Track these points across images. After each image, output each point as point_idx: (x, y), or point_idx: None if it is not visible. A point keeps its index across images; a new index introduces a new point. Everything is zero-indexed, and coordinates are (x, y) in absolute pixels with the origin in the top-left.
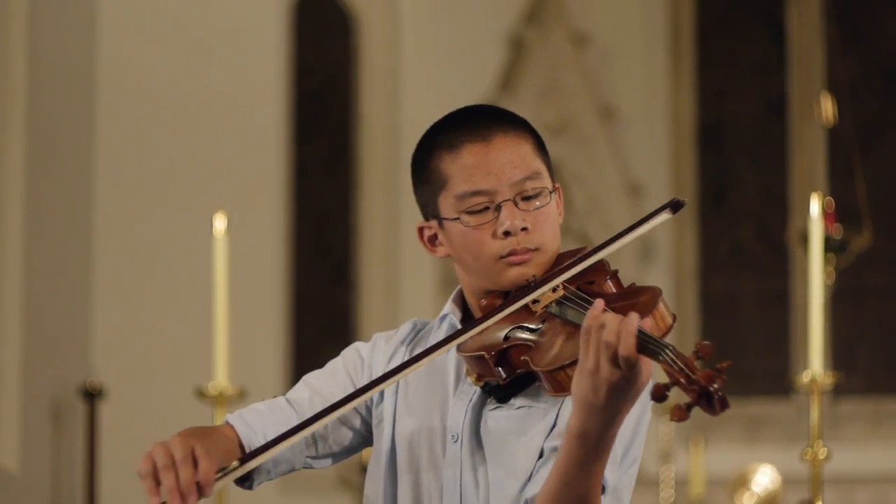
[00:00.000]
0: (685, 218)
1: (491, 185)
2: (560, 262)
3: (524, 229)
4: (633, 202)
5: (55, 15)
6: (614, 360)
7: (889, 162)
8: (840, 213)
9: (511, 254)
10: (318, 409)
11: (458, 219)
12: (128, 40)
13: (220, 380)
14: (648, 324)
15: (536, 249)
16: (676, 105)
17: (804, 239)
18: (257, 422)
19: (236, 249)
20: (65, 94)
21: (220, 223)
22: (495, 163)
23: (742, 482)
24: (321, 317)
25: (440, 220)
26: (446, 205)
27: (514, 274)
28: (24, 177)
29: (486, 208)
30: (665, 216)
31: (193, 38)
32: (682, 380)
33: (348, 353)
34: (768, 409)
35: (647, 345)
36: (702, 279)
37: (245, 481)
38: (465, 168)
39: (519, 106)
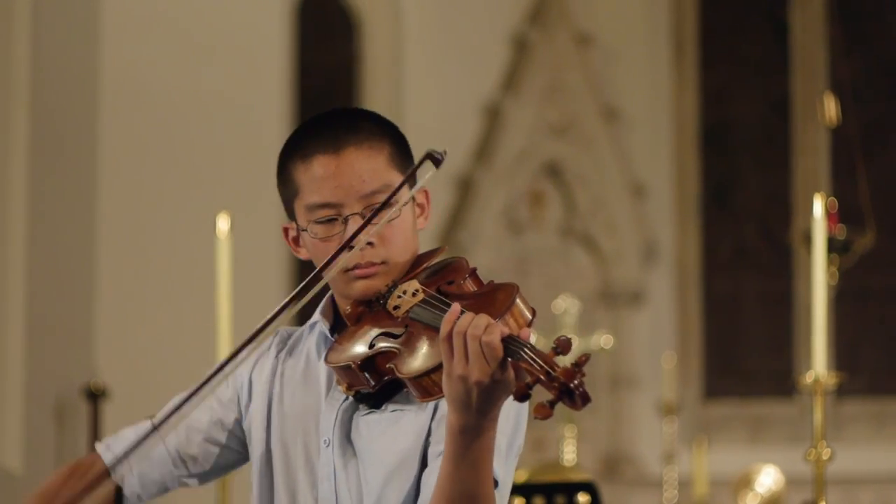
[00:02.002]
0: (688, 219)
1: (338, 198)
2: (419, 264)
3: (370, 244)
4: (636, 202)
5: (58, 15)
6: (480, 360)
7: (893, 162)
8: (843, 214)
9: (356, 267)
10: (181, 433)
11: (307, 229)
12: (131, 41)
13: None
14: (507, 327)
15: (383, 263)
16: (680, 105)
17: (807, 239)
18: (123, 448)
19: (239, 250)
20: (68, 95)
21: (223, 223)
22: (344, 176)
23: (745, 483)
24: None
25: (297, 225)
26: (300, 213)
27: (361, 286)
28: (27, 177)
29: (335, 220)
30: (430, 171)
31: (196, 38)
32: (543, 377)
33: (221, 387)
34: (772, 409)
35: (506, 344)
36: (705, 279)
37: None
38: (315, 179)
39: (522, 106)
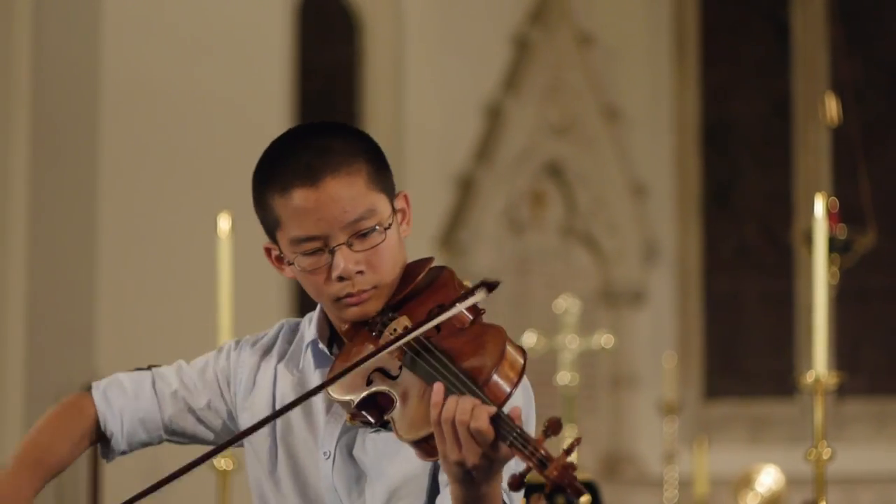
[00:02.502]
0: (689, 218)
1: (322, 231)
2: (408, 274)
3: (360, 272)
4: (637, 202)
5: (59, 15)
6: (472, 445)
7: (893, 162)
8: (844, 214)
9: (347, 296)
10: (179, 405)
11: (293, 262)
12: (132, 40)
13: None
14: (506, 384)
15: (374, 287)
16: (681, 105)
17: (808, 239)
18: (119, 403)
19: (240, 249)
20: (69, 94)
21: (224, 223)
22: (324, 208)
23: (746, 482)
24: None
25: (281, 251)
26: (283, 244)
27: (355, 312)
28: (28, 176)
29: (321, 251)
30: (481, 296)
31: (197, 38)
32: (535, 466)
33: (221, 355)
34: (772, 409)
35: (497, 427)
36: (706, 279)
37: (106, 453)
38: (296, 213)
39: (523, 105)
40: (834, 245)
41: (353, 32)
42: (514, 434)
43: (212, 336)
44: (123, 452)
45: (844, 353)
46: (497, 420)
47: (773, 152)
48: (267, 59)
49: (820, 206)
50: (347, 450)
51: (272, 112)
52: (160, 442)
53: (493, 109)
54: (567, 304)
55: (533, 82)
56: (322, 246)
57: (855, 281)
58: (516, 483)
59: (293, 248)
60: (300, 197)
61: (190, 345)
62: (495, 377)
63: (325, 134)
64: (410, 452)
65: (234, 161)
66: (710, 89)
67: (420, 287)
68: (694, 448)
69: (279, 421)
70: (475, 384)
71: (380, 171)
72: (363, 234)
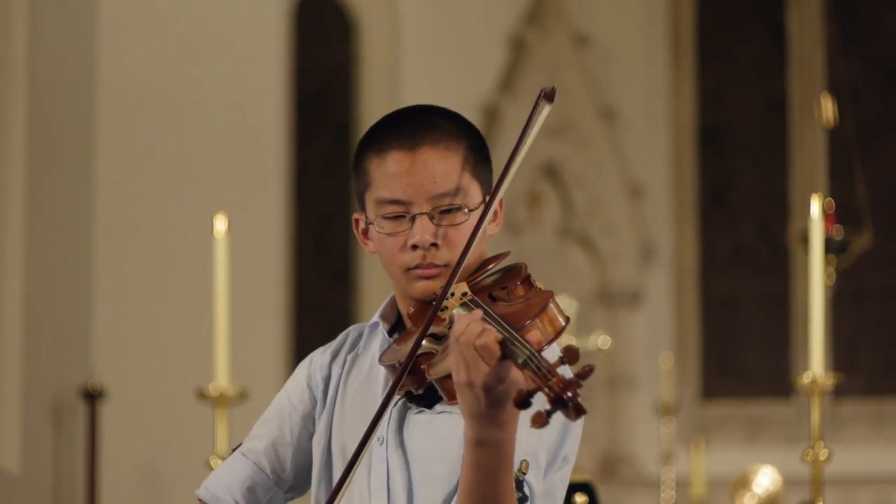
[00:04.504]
0: (686, 219)
1: (408, 196)
2: (484, 268)
3: (434, 245)
4: (633, 203)
5: (56, 16)
6: (479, 363)
7: (889, 162)
8: (840, 214)
9: (418, 267)
10: (273, 457)
11: (374, 223)
12: (128, 41)
13: (221, 381)
14: (540, 334)
15: (445, 265)
16: (677, 106)
17: (805, 239)
18: (221, 485)
19: (237, 250)
20: (65, 96)
21: (220, 224)
22: (416, 174)
23: (743, 483)
24: (321, 317)
25: (367, 217)
26: (370, 206)
27: (422, 287)
28: (24, 178)
29: (402, 217)
30: (546, 109)
31: (194, 39)
32: (543, 386)
33: (289, 384)
34: (769, 410)
35: (513, 349)
36: (702, 280)
37: None
38: (387, 175)
39: (520, 106)
40: (830, 246)
41: (349, 33)
42: (530, 355)
43: (208, 337)
44: None
45: (841, 353)
46: (510, 342)
47: (770, 153)
48: (263, 59)
49: (816, 206)
50: (397, 432)
51: (269, 113)
52: (285, 498)
53: (490, 110)
54: (564, 305)
55: (529, 83)
56: (404, 212)
57: (851, 281)
58: (521, 398)
59: (377, 210)
60: (395, 159)
61: (186, 346)
62: (531, 327)
63: (434, 112)
64: (451, 433)
65: (230, 162)
66: (706, 90)
67: (491, 273)
68: (691, 449)
69: (335, 416)
70: (512, 327)
71: (478, 161)
72: (446, 210)
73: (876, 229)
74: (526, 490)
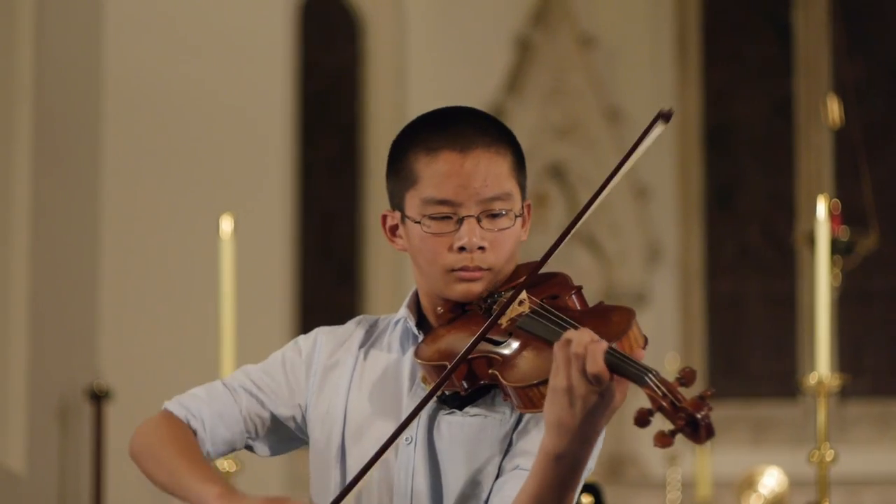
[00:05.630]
0: (692, 220)
1: (458, 198)
2: (518, 275)
3: (481, 248)
4: (639, 204)
5: (61, 17)
6: (584, 376)
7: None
8: (847, 215)
9: (462, 269)
10: (253, 400)
11: (419, 222)
12: (133, 42)
13: None
14: (626, 346)
15: (489, 269)
16: (683, 106)
17: (811, 241)
18: (194, 405)
19: (242, 251)
20: (71, 97)
21: (226, 225)
22: (468, 176)
23: (749, 484)
24: (327, 317)
25: (404, 215)
26: (412, 204)
27: (462, 289)
28: (30, 180)
29: (449, 218)
30: (659, 130)
31: (199, 39)
32: (667, 406)
33: (288, 352)
34: (775, 411)
35: (629, 368)
36: (708, 280)
37: None
38: (438, 174)
39: (525, 107)
40: (836, 247)
41: (355, 33)
42: (651, 374)
43: (214, 337)
44: (208, 454)
45: (847, 354)
46: (625, 359)
47: (776, 154)
48: (269, 60)
49: (822, 207)
50: (427, 433)
51: (274, 113)
52: (244, 443)
53: (495, 111)
54: None
55: (535, 84)
56: (452, 213)
57: (857, 282)
58: (643, 418)
59: (423, 209)
60: (447, 159)
61: (192, 346)
62: (624, 344)
63: (481, 116)
64: (486, 437)
65: (236, 162)
66: (712, 90)
67: (533, 280)
68: (697, 450)
69: (349, 406)
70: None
71: (521, 166)
72: (494, 215)
73: (882, 230)
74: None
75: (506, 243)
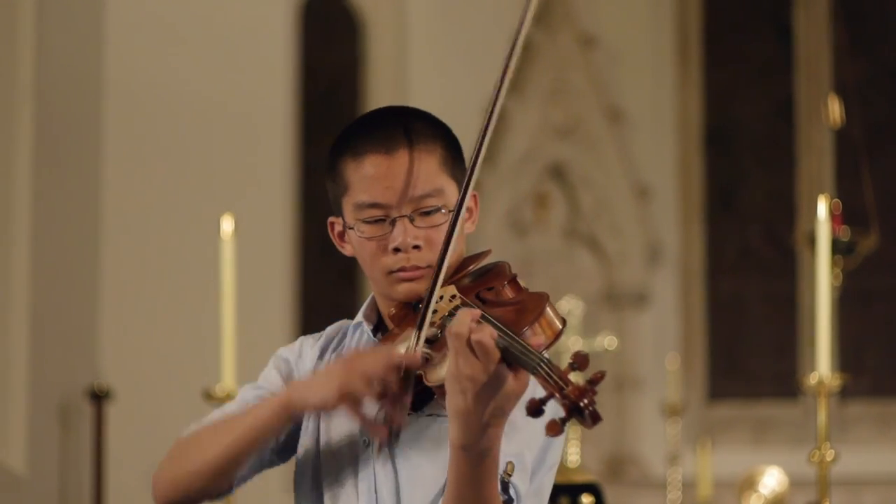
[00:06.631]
0: (692, 220)
1: (387, 199)
2: (464, 267)
3: (416, 247)
4: (640, 204)
5: (62, 18)
6: (469, 354)
7: None
8: (847, 215)
9: (401, 270)
10: None
11: (353, 227)
12: (135, 43)
13: (228, 381)
14: (539, 338)
15: (428, 267)
16: (684, 106)
17: (811, 241)
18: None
19: (243, 251)
20: (72, 98)
21: (227, 225)
22: (394, 177)
23: (749, 484)
24: (328, 317)
25: (343, 221)
26: (347, 210)
27: (404, 289)
28: (31, 179)
29: (382, 220)
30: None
31: (200, 40)
32: (556, 393)
33: (279, 361)
34: (776, 411)
35: (520, 356)
36: (709, 281)
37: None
38: (365, 179)
39: (527, 107)
40: (837, 247)
41: (356, 34)
42: (542, 363)
43: (214, 338)
44: (243, 478)
45: (848, 354)
46: (510, 349)
47: (776, 154)
48: (270, 60)
49: (823, 207)
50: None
51: (275, 113)
52: (269, 460)
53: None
54: (570, 306)
55: (536, 84)
56: (384, 216)
57: (858, 282)
58: (534, 408)
59: (356, 214)
60: (373, 163)
61: (193, 347)
62: (531, 331)
63: (408, 114)
64: (439, 438)
65: (237, 162)
66: (713, 91)
67: (473, 273)
68: (697, 450)
69: (322, 420)
70: (512, 331)
71: (455, 160)
72: (426, 213)
73: (883, 230)
74: (511, 492)
75: (441, 239)
